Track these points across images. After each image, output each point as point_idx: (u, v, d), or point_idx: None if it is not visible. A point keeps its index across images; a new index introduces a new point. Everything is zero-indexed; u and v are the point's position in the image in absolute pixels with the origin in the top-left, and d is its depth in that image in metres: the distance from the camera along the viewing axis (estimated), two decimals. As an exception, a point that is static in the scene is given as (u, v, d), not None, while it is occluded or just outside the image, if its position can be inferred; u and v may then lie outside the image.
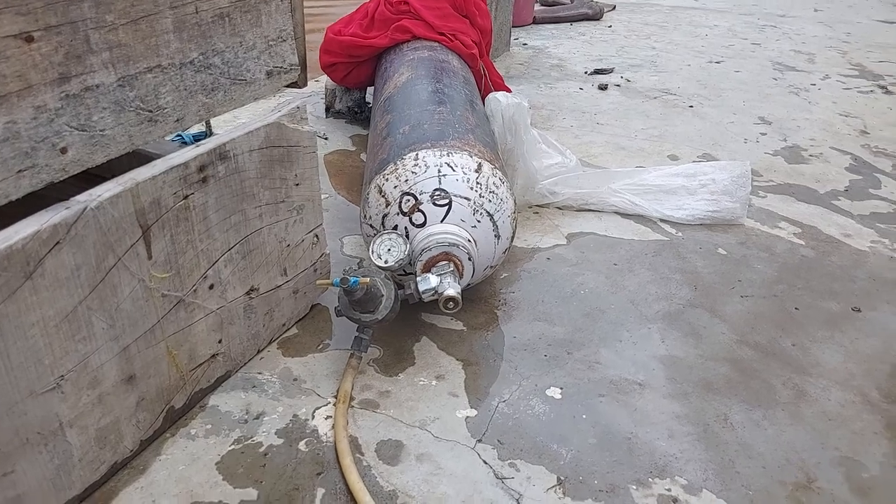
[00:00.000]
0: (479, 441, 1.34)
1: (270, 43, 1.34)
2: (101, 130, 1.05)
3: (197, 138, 2.19)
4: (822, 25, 5.10)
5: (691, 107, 3.25)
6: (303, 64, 1.44)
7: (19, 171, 0.95)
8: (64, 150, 1.00)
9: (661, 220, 2.19)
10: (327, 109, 2.94)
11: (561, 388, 1.48)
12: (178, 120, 1.18)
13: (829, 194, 2.45)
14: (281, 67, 1.38)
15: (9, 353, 0.96)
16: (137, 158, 1.19)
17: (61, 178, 1.01)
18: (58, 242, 0.98)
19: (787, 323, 1.74)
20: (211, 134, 2.21)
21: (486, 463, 1.29)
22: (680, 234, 2.13)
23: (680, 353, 1.61)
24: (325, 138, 2.69)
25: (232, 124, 2.43)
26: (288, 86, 1.44)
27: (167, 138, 2.10)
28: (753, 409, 1.45)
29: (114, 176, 1.11)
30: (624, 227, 2.15)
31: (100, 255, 1.06)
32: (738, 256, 2.02)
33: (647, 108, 3.21)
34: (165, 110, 1.15)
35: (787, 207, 2.33)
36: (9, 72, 0.91)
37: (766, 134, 2.97)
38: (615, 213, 2.23)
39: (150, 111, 1.12)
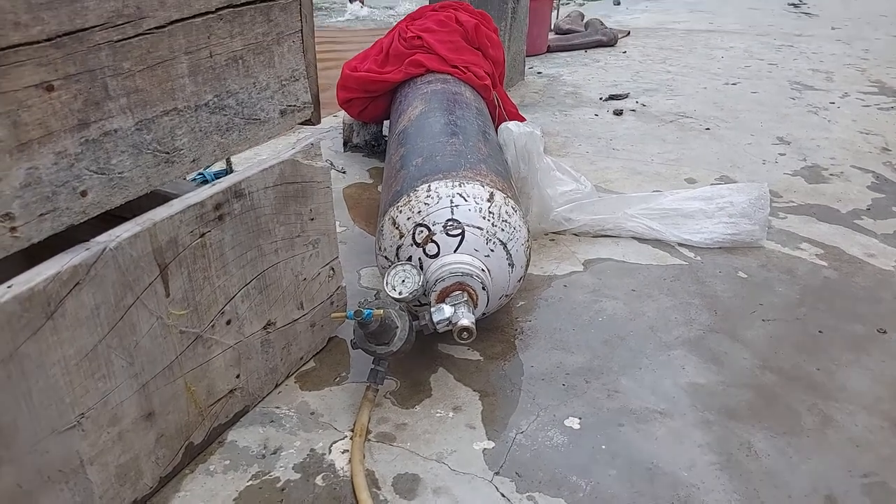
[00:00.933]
0: (497, 474, 1.32)
1: (283, 83, 1.37)
2: (119, 173, 1.08)
3: (219, 176, 2.24)
4: (840, 43, 5.07)
5: (708, 129, 3.24)
6: (316, 102, 1.47)
7: (41, 214, 0.98)
8: (84, 194, 1.03)
9: (679, 245, 2.18)
10: (345, 143, 2.99)
11: (580, 418, 1.47)
12: (193, 160, 1.21)
13: (852, 213, 2.41)
14: (294, 106, 1.42)
15: (31, 393, 0.98)
16: (155, 198, 1.23)
17: (81, 221, 1.04)
18: (78, 283, 1.01)
19: (810, 346, 1.70)
20: (231, 172, 2.26)
21: (503, 496, 1.27)
22: (699, 257, 2.11)
23: (701, 379, 1.59)
24: (343, 172, 2.73)
25: (253, 161, 2.49)
26: (302, 123, 1.48)
27: (189, 177, 2.16)
28: (778, 437, 1.42)
29: (133, 215, 1.14)
30: (641, 252, 2.14)
31: (119, 294, 1.08)
32: (759, 279, 2.00)
33: (663, 132, 3.21)
34: (182, 151, 1.19)
35: (809, 228, 2.30)
36: (30, 120, 0.94)
37: (784, 154, 2.94)
38: (632, 238, 2.21)
39: (167, 153, 1.16)
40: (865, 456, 1.37)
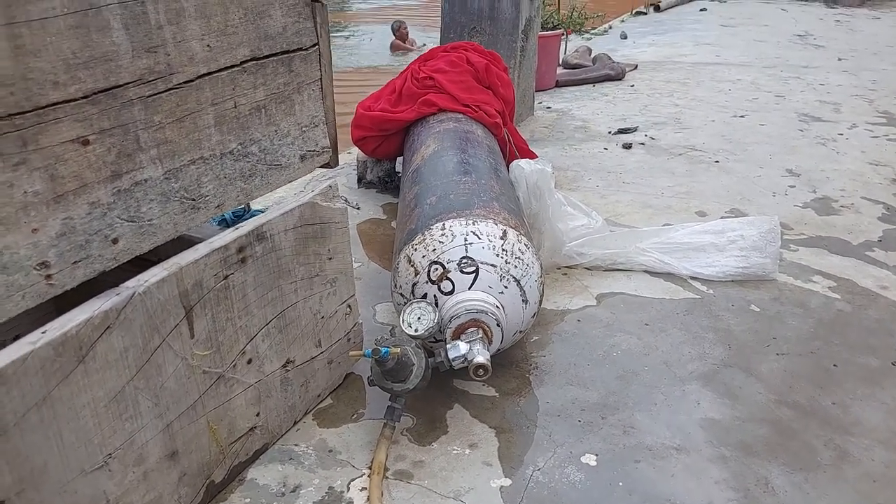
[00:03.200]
0: (514, 511, 1.33)
1: (303, 129, 1.43)
2: (148, 220, 1.13)
3: (236, 214, 2.29)
4: (847, 74, 5.11)
5: (717, 162, 3.27)
6: (334, 146, 1.52)
7: (74, 262, 1.02)
8: (115, 241, 1.08)
9: (692, 278, 2.19)
10: (359, 180, 3.04)
11: (596, 455, 1.47)
12: (218, 206, 1.26)
13: (863, 245, 2.42)
14: (314, 151, 1.47)
15: (61, 434, 1.01)
16: (180, 241, 1.27)
17: (112, 267, 1.08)
18: (108, 327, 1.05)
19: (825, 381, 1.70)
20: (249, 209, 2.32)
21: (521, 534, 1.28)
22: (711, 291, 2.12)
23: (717, 415, 1.59)
24: (358, 208, 2.79)
25: (270, 198, 2.55)
26: (321, 167, 1.52)
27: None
28: (795, 472, 1.42)
29: (159, 258, 1.19)
30: (654, 286, 2.16)
31: (146, 336, 1.12)
32: (772, 313, 2.01)
33: (672, 165, 3.25)
34: (207, 197, 1.23)
35: (820, 260, 2.31)
36: (67, 173, 0.99)
37: (794, 186, 2.96)
38: (644, 271, 2.23)
39: (193, 199, 1.20)
40: (883, 492, 1.37)
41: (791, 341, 1.87)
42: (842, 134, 3.69)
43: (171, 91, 1.11)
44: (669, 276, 2.21)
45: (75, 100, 0.98)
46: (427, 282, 1.63)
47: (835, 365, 1.77)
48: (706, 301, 2.07)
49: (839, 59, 5.64)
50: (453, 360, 1.50)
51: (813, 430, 1.54)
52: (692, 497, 1.36)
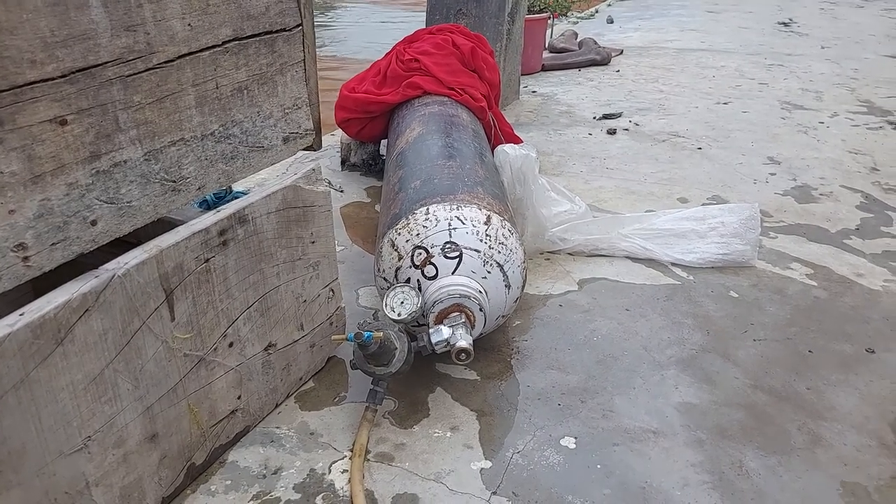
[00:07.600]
0: (494, 493, 1.35)
1: (286, 111, 1.41)
2: (128, 202, 1.11)
3: (218, 195, 2.27)
4: (830, 63, 5.15)
5: (700, 149, 3.29)
6: (317, 128, 1.51)
7: (52, 244, 1.01)
8: (94, 223, 1.07)
9: (672, 264, 2.22)
10: (343, 162, 3.03)
11: (575, 438, 1.50)
12: (199, 188, 1.25)
13: (841, 233, 2.46)
14: (296, 133, 1.46)
15: (40, 417, 1.01)
16: (161, 223, 1.26)
17: (91, 249, 1.07)
18: (87, 309, 1.04)
19: (800, 366, 1.74)
20: (231, 191, 2.30)
21: (501, 515, 1.30)
22: (691, 277, 2.15)
23: (694, 399, 1.62)
24: (341, 191, 2.77)
25: (252, 180, 2.53)
26: (304, 149, 1.51)
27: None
28: (769, 456, 1.45)
29: (139, 241, 1.18)
30: (635, 272, 2.18)
31: (126, 319, 1.11)
32: (751, 299, 2.04)
33: (655, 151, 3.26)
34: (188, 180, 1.22)
35: (799, 248, 2.35)
36: (44, 153, 0.98)
37: (775, 174, 2.99)
38: (626, 257, 2.25)
39: (174, 181, 1.19)
40: (854, 475, 1.40)
41: (768, 327, 1.90)
42: (823, 122, 3.73)
43: (151, 71, 1.10)
44: (650, 262, 2.23)
45: (53, 79, 0.96)
46: (410, 266, 1.63)
47: (810, 351, 1.80)
48: (686, 287, 2.09)
49: (822, 48, 5.68)
50: (436, 344, 1.51)
51: (787, 415, 1.57)
52: (668, 479, 1.39)
